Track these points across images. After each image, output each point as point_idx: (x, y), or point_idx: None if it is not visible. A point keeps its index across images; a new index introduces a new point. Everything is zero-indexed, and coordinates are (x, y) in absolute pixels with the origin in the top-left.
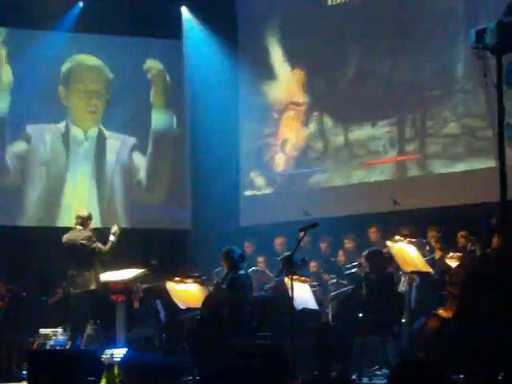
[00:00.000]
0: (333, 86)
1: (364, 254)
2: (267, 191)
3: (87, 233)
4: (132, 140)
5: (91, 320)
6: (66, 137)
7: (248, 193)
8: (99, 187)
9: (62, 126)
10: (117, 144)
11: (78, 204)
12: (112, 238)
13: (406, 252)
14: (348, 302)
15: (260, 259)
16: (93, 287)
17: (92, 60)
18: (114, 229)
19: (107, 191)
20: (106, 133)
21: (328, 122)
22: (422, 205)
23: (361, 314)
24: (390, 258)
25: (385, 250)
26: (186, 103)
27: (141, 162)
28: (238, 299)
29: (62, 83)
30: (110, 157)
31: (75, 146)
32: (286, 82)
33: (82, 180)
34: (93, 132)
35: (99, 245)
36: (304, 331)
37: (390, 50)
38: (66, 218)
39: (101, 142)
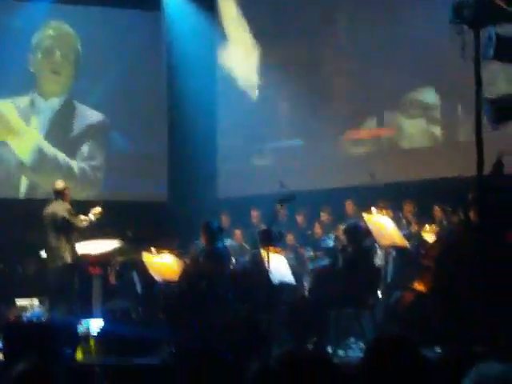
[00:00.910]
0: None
1: (342, 227)
2: (244, 163)
3: (66, 205)
4: (104, 114)
5: (68, 292)
6: (33, 105)
7: (225, 164)
8: (71, 157)
9: (30, 94)
10: (89, 115)
11: (47, 176)
12: (92, 217)
13: (383, 225)
14: (324, 276)
15: (237, 232)
16: (69, 260)
17: (65, 29)
18: (98, 210)
19: (80, 161)
20: (78, 104)
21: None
22: (398, 178)
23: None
24: (367, 232)
25: (362, 224)
26: (163, 75)
27: (116, 136)
28: (215, 272)
29: (32, 51)
30: (81, 127)
31: (41, 114)
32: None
33: (49, 149)
34: (60, 100)
35: (78, 221)
36: (280, 304)
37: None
38: (33, 190)
39: (70, 112)
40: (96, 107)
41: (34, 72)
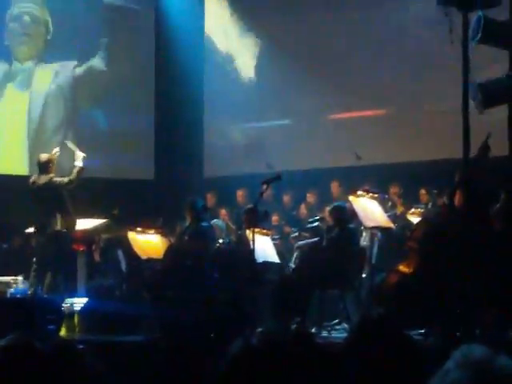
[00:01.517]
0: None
1: (328, 208)
2: (231, 142)
3: (48, 177)
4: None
5: (52, 269)
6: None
7: (211, 143)
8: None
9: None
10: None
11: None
12: (79, 163)
13: (368, 207)
14: (310, 254)
15: (222, 211)
16: (59, 228)
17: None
18: (81, 155)
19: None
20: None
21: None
22: (384, 160)
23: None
24: (352, 214)
25: (347, 205)
26: (150, 50)
27: (100, 113)
28: (200, 250)
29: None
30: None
31: (14, 80)
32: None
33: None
34: (31, 65)
35: (62, 179)
36: (264, 283)
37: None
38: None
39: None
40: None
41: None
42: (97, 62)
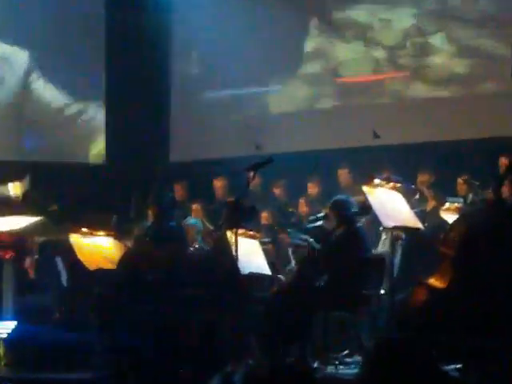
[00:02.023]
0: None
1: (329, 204)
2: (206, 118)
3: None
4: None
5: None
6: None
7: (181, 120)
8: None
9: None
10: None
11: None
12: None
13: (388, 201)
14: (308, 267)
15: (195, 207)
16: None
17: None
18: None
19: None
20: None
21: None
22: (410, 139)
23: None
24: (364, 209)
25: (359, 198)
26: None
27: (39, 82)
28: (166, 259)
29: None
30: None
31: None
32: None
33: None
34: None
35: None
36: (251, 303)
37: None
38: None
39: None
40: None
41: None
42: None
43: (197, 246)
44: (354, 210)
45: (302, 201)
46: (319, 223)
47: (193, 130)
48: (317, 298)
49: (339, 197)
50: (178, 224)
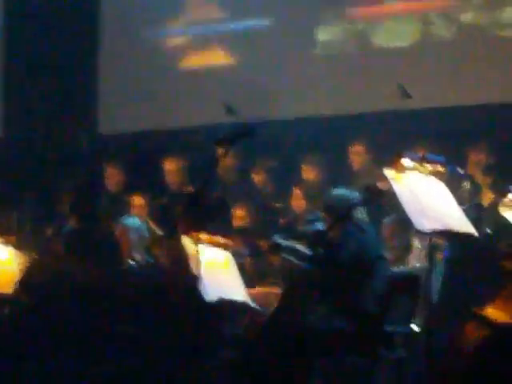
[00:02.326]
0: None
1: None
2: (149, 68)
3: None
4: None
5: None
6: None
7: (111, 72)
8: None
9: None
10: None
11: None
12: None
13: (425, 192)
14: (299, 290)
15: (137, 200)
16: None
17: None
18: None
19: None
20: None
21: None
22: (455, 101)
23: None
24: (373, 194)
25: (380, 185)
26: None
27: None
28: (91, 277)
29: None
30: None
31: None
32: None
33: None
34: None
35: None
36: (220, 346)
37: None
38: None
39: None
40: None
41: None
42: None
43: (137, 259)
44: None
45: (295, 191)
46: (319, 225)
47: (131, 88)
48: (313, 338)
49: (334, 190)
50: (107, 226)
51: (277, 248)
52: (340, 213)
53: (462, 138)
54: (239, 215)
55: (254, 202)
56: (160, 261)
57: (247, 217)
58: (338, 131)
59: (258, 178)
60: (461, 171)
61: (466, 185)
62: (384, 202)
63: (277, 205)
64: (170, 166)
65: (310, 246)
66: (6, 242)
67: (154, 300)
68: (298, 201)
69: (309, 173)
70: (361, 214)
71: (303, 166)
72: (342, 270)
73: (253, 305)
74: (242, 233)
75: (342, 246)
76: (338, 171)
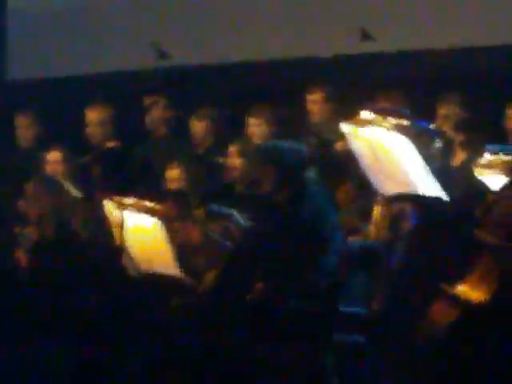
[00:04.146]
0: None
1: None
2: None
3: None
4: None
5: None
6: None
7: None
8: None
9: None
10: None
11: None
12: None
13: (386, 150)
14: (236, 263)
15: (52, 156)
16: None
17: None
18: None
19: None
20: None
21: None
22: (426, 43)
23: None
24: (344, 164)
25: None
26: None
27: None
28: None
29: None
30: None
31: None
32: None
33: None
34: None
35: None
36: (147, 333)
37: None
38: None
39: None
40: None
41: None
42: None
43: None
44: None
45: (233, 148)
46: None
47: (44, 24)
48: (256, 320)
49: (272, 142)
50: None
51: (211, 215)
52: (291, 170)
53: (431, 88)
54: (172, 174)
55: (191, 159)
56: (75, 228)
57: (182, 176)
58: (292, 77)
59: (198, 127)
60: (429, 126)
61: (436, 142)
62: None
63: (218, 160)
64: (92, 116)
65: (252, 212)
66: None
67: (66, 272)
68: (235, 159)
69: (255, 127)
70: (312, 172)
71: (250, 119)
72: (292, 242)
73: (186, 280)
74: (174, 196)
75: (295, 212)
76: (292, 125)
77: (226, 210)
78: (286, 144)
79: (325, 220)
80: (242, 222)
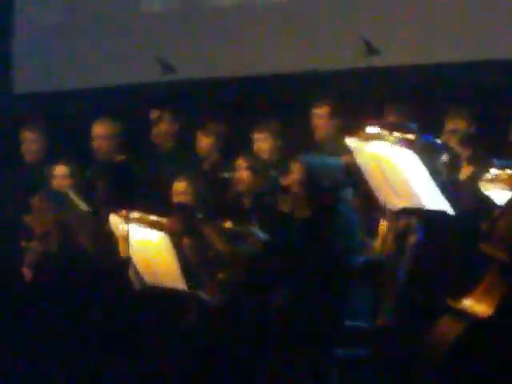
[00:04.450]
0: None
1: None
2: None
3: None
4: None
5: None
6: None
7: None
8: None
9: None
10: None
11: None
12: None
13: (392, 165)
14: (251, 275)
15: (58, 169)
16: None
17: None
18: None
19: None
20: None
21: None
22: (435, 58)
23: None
24: (351, 177)
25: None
26: None
27: None
28: None
29: None
30: None
31: None
32: None
33: None
34: None
35: None
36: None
37: None
38: None
39: None
40: None
41: None
42: None
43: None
44: (338, 178)
45: (241, 162)
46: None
47: (51, 38)
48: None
49: (308, 157)
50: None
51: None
52: (322, 185)
53: (439, 102)
54: (179, 187)
55: (198, 174)
56: (81, 241)
57: (188, 190)
58: (297, 91)
59: (204, 143)
60: (436, 141)
61: (442, 157)
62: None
63: (224, 175)
64: (99, 130)
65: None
66: None
67: (72, 287)
68: (243, 173)
69: (261, 142)
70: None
71: (255, 134)
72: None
73: (197, 294)
74: (181, 209)
75: (324, 230)
76: (298, 140)
77: (246, 228)
78: (325, 160)
79: (352, 243)
80: (262, 236)
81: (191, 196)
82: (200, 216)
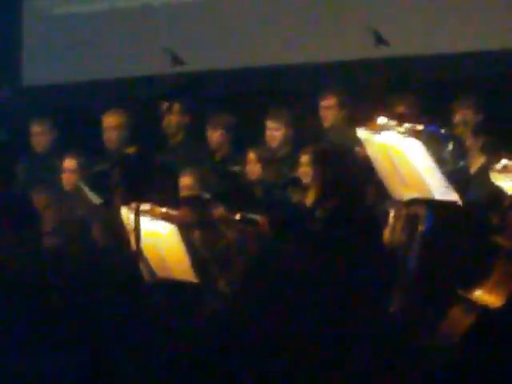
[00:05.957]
0: None
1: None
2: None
3: None
4: None
5: None
6: None
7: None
8: None
9: None
10: None
11: None
12: None
13: (401, 155)
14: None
15: (67, 163)
16: None
17: None
18: None
19: None
20: None
21: None
22: (438, 47)
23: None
24: (363, 169)
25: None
26: None
27: None
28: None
29: None
30: None
31: None
32: None
33: None
34: None
35: None
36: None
37: None
38: None
39: None
40: None
41: None
42: None
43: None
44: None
45: (250, 155)
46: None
47: (60, 31)
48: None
49: (328, 146)
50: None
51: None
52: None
53: (447, 93)
54: (186, 181)
55: (207, 167)
56: (94, 234)
57: (196, 184)
58: (306, 83)
59: (214, 136)
60: (443, 132)
61: (450, 147)
62: None
63: (234, 168)
64: (109, 122)
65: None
66: None
67: (84, 279)
68: (254, 166)
69: (273, 131)
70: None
71: (268, 123)
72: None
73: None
74: (190, 202)
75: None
76: (307, 131)
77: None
78: (340, 149)
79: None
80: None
81: (197, 191)
82: (211, 208)
